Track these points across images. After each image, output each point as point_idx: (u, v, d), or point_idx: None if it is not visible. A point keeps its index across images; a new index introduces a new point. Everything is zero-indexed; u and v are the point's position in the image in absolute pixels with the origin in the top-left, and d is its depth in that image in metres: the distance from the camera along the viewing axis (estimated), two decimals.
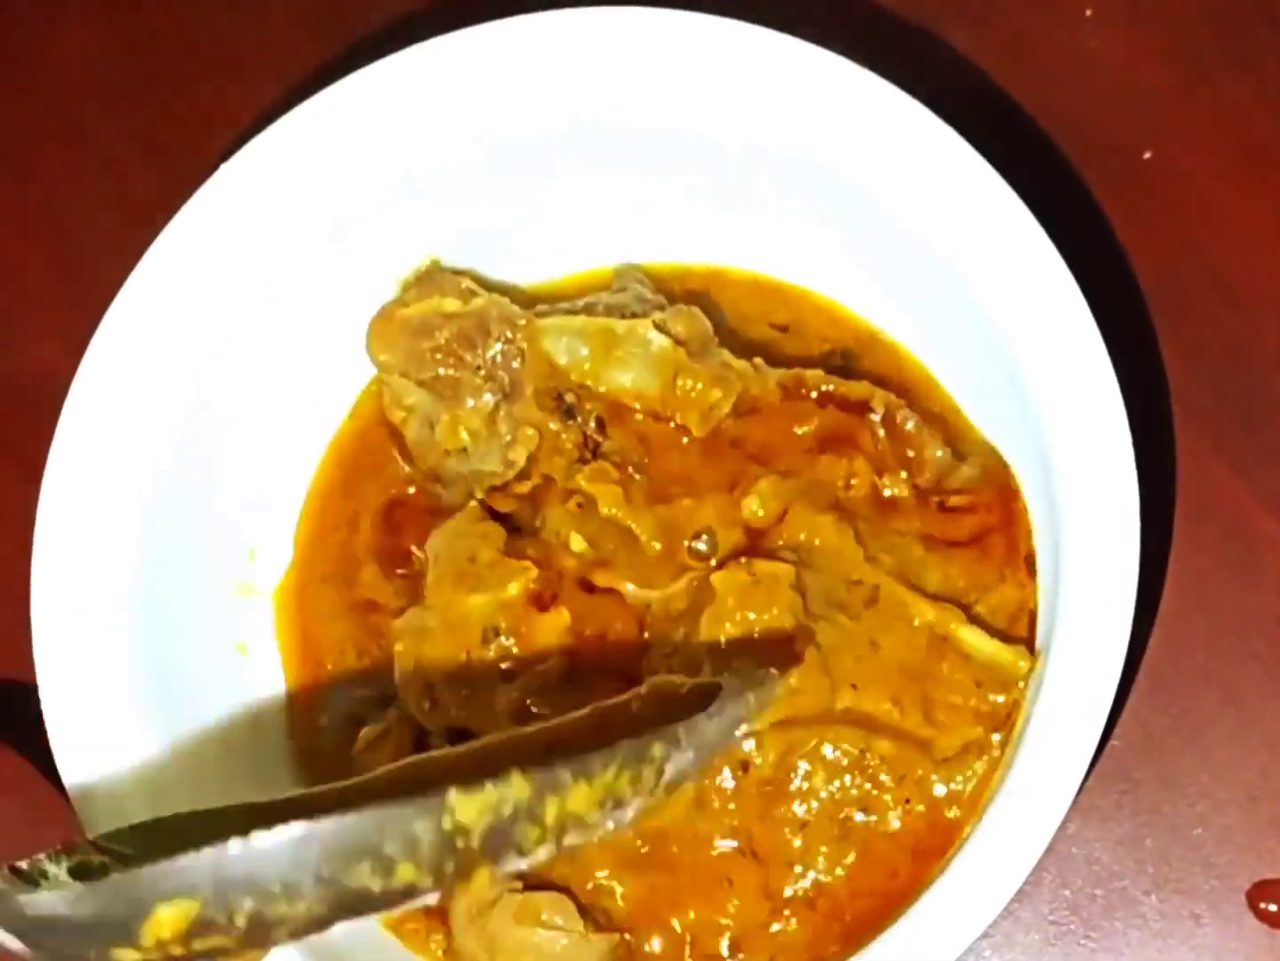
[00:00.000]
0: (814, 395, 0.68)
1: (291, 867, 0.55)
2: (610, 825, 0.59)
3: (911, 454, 0.67)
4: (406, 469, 0.71)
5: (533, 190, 0.70)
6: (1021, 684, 0.64)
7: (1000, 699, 0.64)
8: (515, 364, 0.68)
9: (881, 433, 0.67)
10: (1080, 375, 0.63)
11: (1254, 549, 0.71)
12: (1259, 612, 0.71)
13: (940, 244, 0.65)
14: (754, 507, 0.66)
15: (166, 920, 0.55)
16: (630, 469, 0.67)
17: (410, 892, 0.56)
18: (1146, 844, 0.69)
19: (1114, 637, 0.61)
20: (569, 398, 0.67)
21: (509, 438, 0.68)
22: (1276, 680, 0.70)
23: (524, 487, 0.68)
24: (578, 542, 0.67)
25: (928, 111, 0.64)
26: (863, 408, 0.68)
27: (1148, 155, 0.74)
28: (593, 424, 0.68)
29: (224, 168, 0.67)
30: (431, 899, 0.57)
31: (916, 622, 0.65)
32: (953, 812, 0.64)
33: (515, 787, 0.57)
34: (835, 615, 0.65)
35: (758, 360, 0.68)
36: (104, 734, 0.64)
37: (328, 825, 0.55)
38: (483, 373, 0.68)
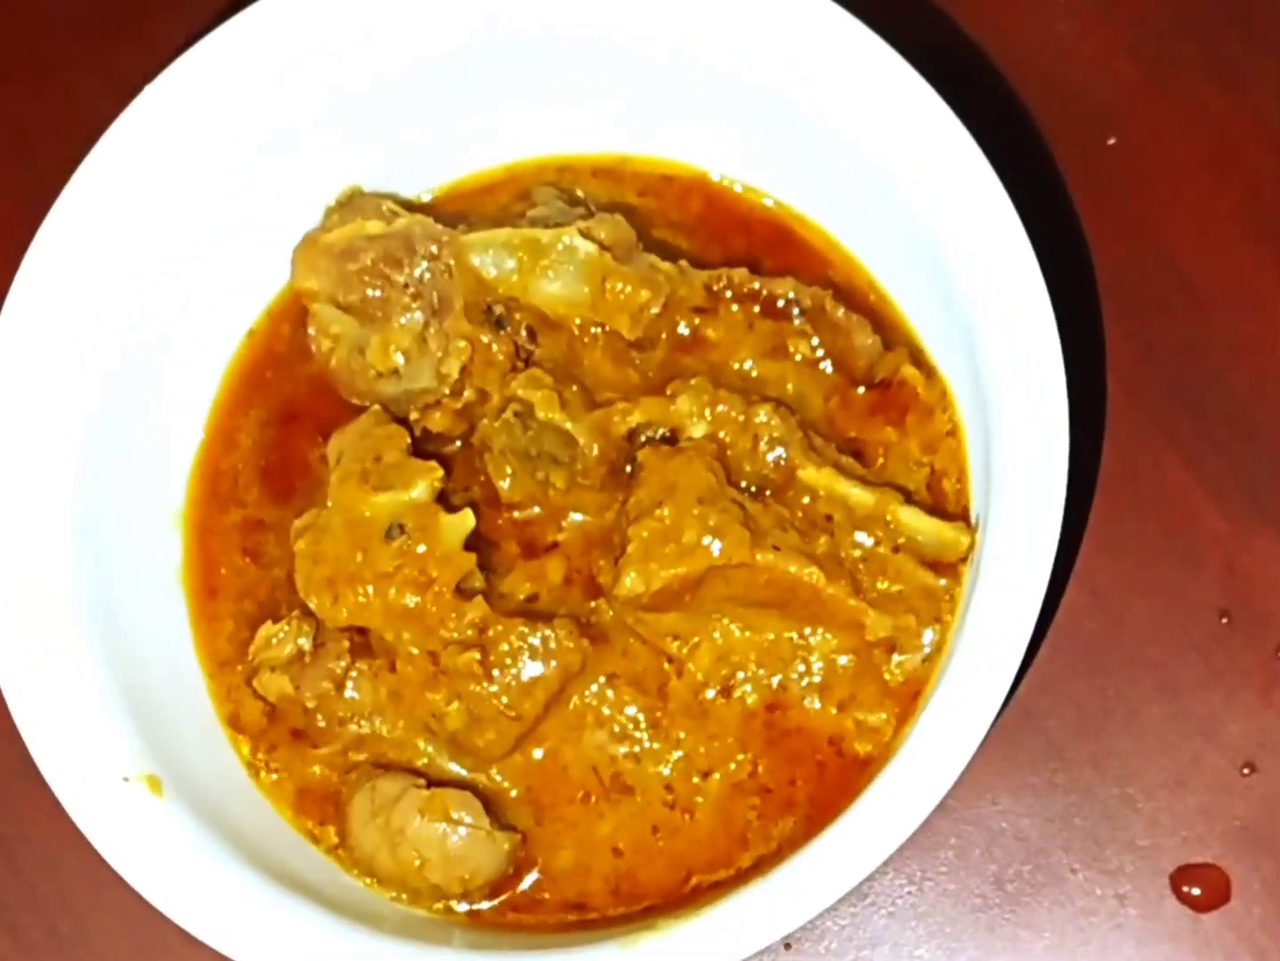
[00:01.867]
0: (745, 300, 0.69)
1: None
2: None
3: (842, 344, 0.68)
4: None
5: (452, 102, 0.70)
6: (964, 559, 0.65)
7: (942, 581, 0.65)
8: (443, 280, 0.68)
9: (814, 340, 0.68)
10: (1005, 266, 0.63)
11: (1198, 540, 0.71)
12: (1200, 602, 0.71)
13: (866, 145, 0.66)
14: (686, 407, 0.66)
15: None
16: (563, 375, 0.67)
17: None
18: (1075, 823, 0.69)
19: (1048, 512, 0.61)
20: (498, 309, 0.68)
21: (440, 353, 0.68)
22: (1213, 669, 0.70)
23: (457, 403, 0.68)
24: (506, 489, 0.68)
25: (855, 20, 0.65)
26: (789, 311, 0.68)
27: (1112, 142, 0.75)
28: (524, 333, 0.68)
29: (147, 89, 0.67)
30: None
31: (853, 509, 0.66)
32: (879, 716, 0.66)
33: None
34: (743, 497, 0.65)
35: (682, 262, 0.69)
36: (49, 666, 0.64)
37: None
38: (411, 290, 0.68)
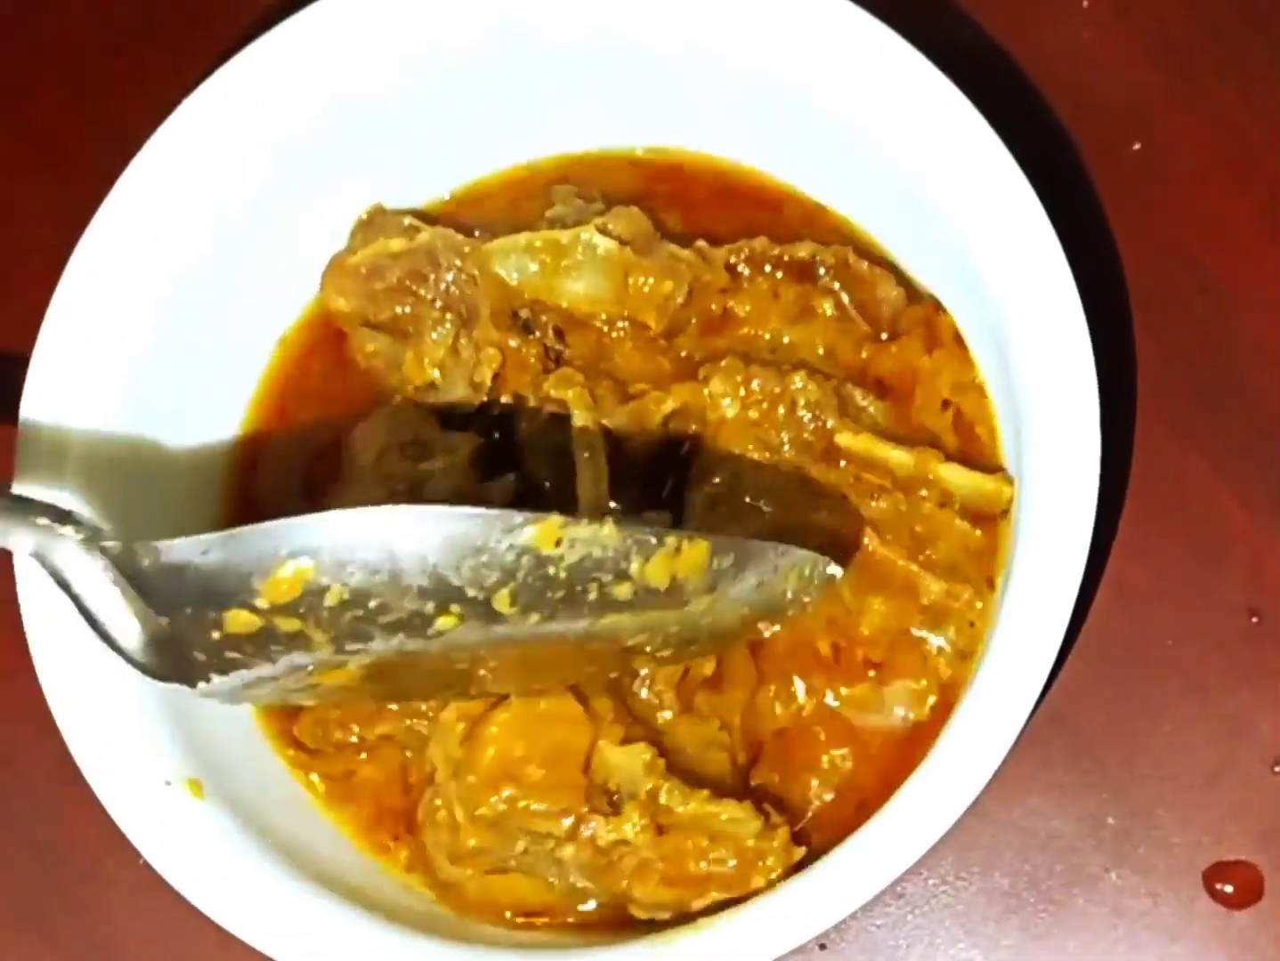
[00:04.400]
0: (767, 267, 0.69)
1: (403, 542, 0.57)
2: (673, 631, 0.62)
3: (866, 296, 0.68)
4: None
5: (470, 104, 0.71)
6: (1006, 511, 0.66)
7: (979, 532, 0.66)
8: (469, 290, 0.69)
9: (840, 291, 0.68)
10: (1035, 268, 0.64)
11: (1225, 541, 0.72)
12: (1228, 603, 0.71)
13: (893, 149, 0.66)
14: (719, 388, 0.67)
15: (284, 580, 0.57)
16: (594, 371, 0.68)
17: (489, 613, 0.58)
18: (1108, 822, 0.70)
19: (1085, 462, 0.61)
20: (524, 313, 0.68)
21: (472, 362, 0.68)
22: (1242, 668, 0.70)
23: (494, 410, 0.69)
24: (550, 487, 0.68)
25: (882, 24, 0.66)
26: (813, 271, 0.69)
27: (1137, 147, 0.75)
28: (551, 334, 0.68)
29: (181, 106, 0.67)
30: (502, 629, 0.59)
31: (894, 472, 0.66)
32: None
33: (608, 533, 0.59)
34: (802, 459, 0.66)
35: (700, 243, 0.69)
36: (91, 670, 0.64)
37: (447, 511, 0.57)
38: (439, 304, 0.69)
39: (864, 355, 0.68)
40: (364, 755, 0.68)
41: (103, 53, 0.79)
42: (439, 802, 0.64)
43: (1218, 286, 0.74)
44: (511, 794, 0.63)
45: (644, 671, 0.65)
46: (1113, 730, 0.70)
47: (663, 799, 0.62)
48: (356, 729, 0.67)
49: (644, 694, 0.65)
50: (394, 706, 0.67)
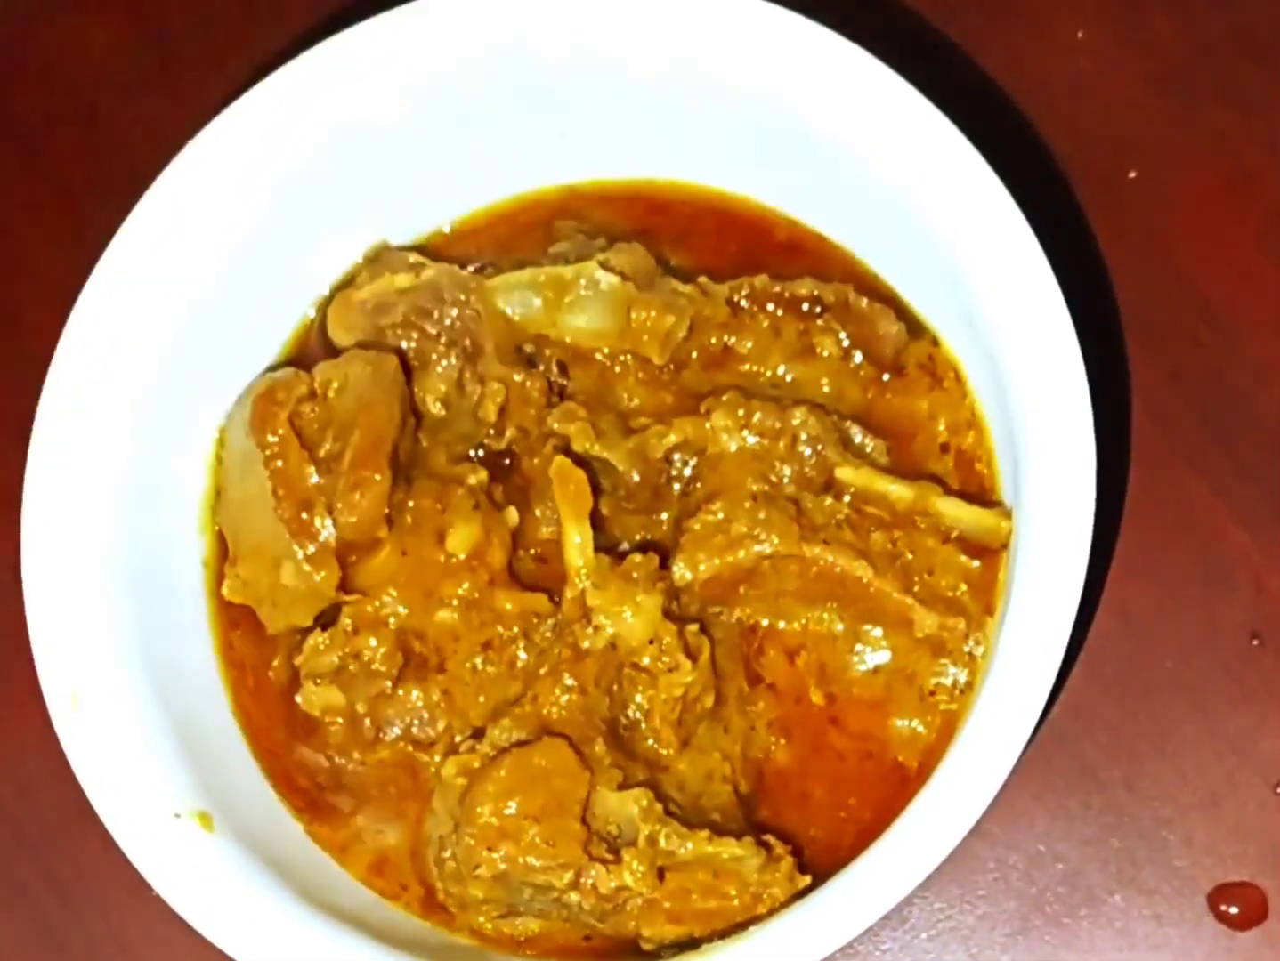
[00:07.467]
0: (769, 305, 0.70)
1: None
2: None
3: (868, 332, 0.69)
4: None
5: (471, 139, 0.71)
6: (1005, 545, 0.66)
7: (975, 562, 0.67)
8: (474, 326, 0.69)
9: (841, 334, 0.69)
10: (1029, 297, 0.64)
11: (1227, 562, 0.72)
12: (1229, 624, 0.71)
13: (887, 181, 0.66)
14: (721, 422, 0.67)
15: None
16: (597, 405, 0.69)
17: None
18: (1112, 844, 0.70)
19: (1080, 491, 0.62)
20: (528, 348, 0.69)
21: (477, 397, 0.69)
22: (1245, 689, 0.71)
23: (500, 444, 0.69)
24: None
25: (876, 59, 0.66)
26: (813, 310, 0.69)
27: (1133, 175, 0.75)
28: (555, 369, 0.69)
29: (188, 146, 0.68)
30: None
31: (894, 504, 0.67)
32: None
33: None
34: (801, 494, 0.67)
35: (703, 279, 0.70)
36: (101, 708, 0.65)
37: None
38: (444, 339, 0.70)
39: (869, 395, 0.69)
40: (360, 815, 0.69)
41: (118, 96, 0.80)
42: (446, 855, 0.65)
43: (1217, 310, 0.74)
44: (509, 852, 0.63)
45: (639, 709, 0.65)
46: (1116, 752, 0.71)
47: (662, 843, 0.63)
48: (357, 755, 0.68)
49: (643, 733, 0.66)
50: (396, 730, 0.67)
